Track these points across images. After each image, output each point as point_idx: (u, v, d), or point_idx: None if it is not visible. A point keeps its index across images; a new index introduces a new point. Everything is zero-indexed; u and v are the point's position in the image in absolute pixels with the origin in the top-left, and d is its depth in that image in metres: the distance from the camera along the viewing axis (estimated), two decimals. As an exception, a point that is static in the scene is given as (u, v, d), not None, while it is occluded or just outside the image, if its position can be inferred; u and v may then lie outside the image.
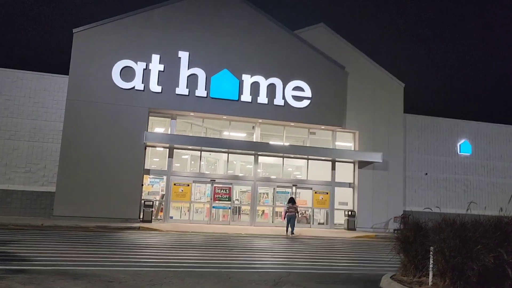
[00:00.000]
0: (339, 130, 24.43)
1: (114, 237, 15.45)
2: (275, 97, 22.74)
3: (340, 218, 24.36)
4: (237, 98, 22.16)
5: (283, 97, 22.86)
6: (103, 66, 20.55)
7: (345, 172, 24.66)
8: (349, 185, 24.62)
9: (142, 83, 20.97)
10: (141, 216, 20.70)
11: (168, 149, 22.07)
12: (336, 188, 24.29)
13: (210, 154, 23.75)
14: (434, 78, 78.58)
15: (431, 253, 8.50)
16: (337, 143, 24.64)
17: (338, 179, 24.35)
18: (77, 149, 19.88)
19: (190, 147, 22.04)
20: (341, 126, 23.82)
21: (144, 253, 11.81)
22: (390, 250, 9.78)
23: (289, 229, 19.66)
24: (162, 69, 21.28)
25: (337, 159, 24.01)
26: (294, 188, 24.14)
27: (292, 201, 20.38)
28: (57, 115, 20.42)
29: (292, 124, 23.47)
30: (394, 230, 24.22)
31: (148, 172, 21.70)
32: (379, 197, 24.28)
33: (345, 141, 25.11)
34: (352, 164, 24.73)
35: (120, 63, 20.73)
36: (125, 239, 14.91)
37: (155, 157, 23.81)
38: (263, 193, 23.85)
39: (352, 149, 24.71)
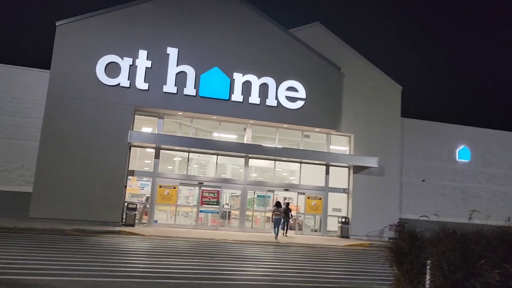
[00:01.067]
0: (334, 133, 23.50)
1: (89, 241, 14.42)
2: (267, 97, 21.81)
3: (333, 225, 23.37)
4: (227, 98, 21.22)
5: (276, 98, 21.93)
6: (87, 61, 19.60)
7: (340, 177, 23.70)
8: (344, 190, 23.66)
9: (128, 79, 20.02)
10: (124, 220, 19.67)
11: (154, 150, 21.08)
12: (330, 194, 23.32)
13: (199, 156, 22.75)
14: (432, 82, 77.42)
15: (428, 267, 7.55)
16: (331, 147, 23.71)
17: (332, 184, 23.39)
18: (57, 148, 18.88)
19: (177, 148, 21.06)
20: (336, 129, 22.90)
21: (114, 261, 10.80)
22: (383, 261, 8.83)
23: (278, 233, 19.64)
24: (150, 66, 20.35)
25: (331, 163, 23.06)
26: (285, 192, 23.19)
27: (278, 204, 20.28)
28: (37, 111, 19.42)
29: (285, 126, 22.53)
30: (389, 238, 23.06)
31: (132, 173, 20.69)
32: (374, 203, 23.31)
33: (340, 145, 24.18)
34: (347, 169, 23.78)
35: (105, 59, 19.78)
36: (100, 244, 13.88)
37: (142, 158, 22.80)
38: (254, 198, 22.82)
39: (347, 153, 23.77)
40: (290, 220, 21.86)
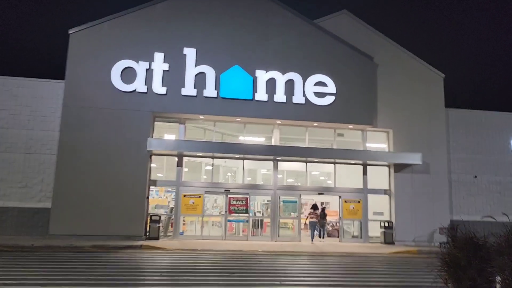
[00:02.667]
0: (370, 130, 21.42)
1: (106, 259, 13.27)
2: (294, 95, 20.12)
3: (375, 230, 21.21)
4: (251, 97, 19.73)
5: (304, 94, 20.21)
6: (102, 68, 18.74)
7: (379, 177, 21.54)
8: (384, 192, 21.46)
9: (145, 84, 18.97)
10: (147, 233, 18.53)
11: (176, 157, 19.87)
12: (370, 196, 21.20)
13: (225, 161, 21.34)
14: (479, 67, 69.94)
15: (497, 285, 5.66)
16: (368, 144, 21.62)
17: (371, 185, 21.28)
18: (75, 160, 18.05)
19: (200, 154, 19.74)
20: (372, 125, 20.83)
21: (122, 281, 9.46)
22: (435, 276, 6.97)
23: (314, 237, 19.76)
24: (167, 69, 19.23)
25: (369, 162, 20.97)
26: (319, 196, 21.33)
27: (314, 207, 20.36)
28: (55, 123, 18.71)
29: (315, 124, 20.72)
30: (441, 243, 20.73)
31: (154, 183, 19.55)
32: (420, 205, 20.96)
33: (377, 142, 22.03)
34: (386, 168, 21.60)
35: (120, 64, 18.85)
36: (116, 262, 12.68)
37: (163, 167, 21.69)
38: (285, 204, 21.04)
39: (386, 150, 21.59)
40: (327, 226, 20.98)
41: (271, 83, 20.01)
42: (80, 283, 9.17)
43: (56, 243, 16.08)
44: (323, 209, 21.58)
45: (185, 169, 21.49)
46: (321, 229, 20.66)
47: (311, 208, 20.33)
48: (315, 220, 19.99)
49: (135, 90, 18.85)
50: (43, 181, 18.42)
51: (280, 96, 19.95)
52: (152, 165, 20.85)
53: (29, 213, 18.08)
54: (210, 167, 20.44)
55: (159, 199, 21.21)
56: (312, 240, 19.55)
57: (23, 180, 18.32)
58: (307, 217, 20.32)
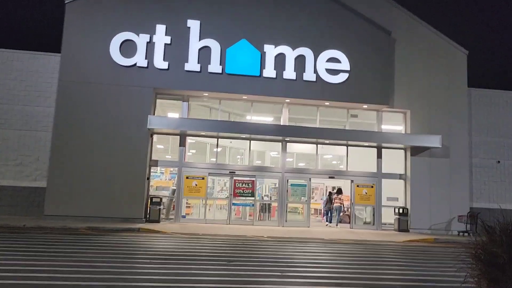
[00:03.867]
0: (385, 110, 20.03)
1: (97, 242, 12.36)
2: (304, 71, 18.80)
3: (389, 216, 20.01)
4: (258, 74, 18.47)
5: (315, 71, 18.86)
6: (100, 41, 17.65)
7: (395, 160, 20.23)
8: (400, 176, 20.16)
9: (146, 59, 17.85)
10: (148, 215, 17.64)
11: (179, 136, 18.81)
12: (384, 181, 19.94)
13: (231, 142, 20.23)
14: (505, 44, 64.98)
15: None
16: (383, 126, 20.25)
17: (385, 169, 19.99)
18: (71, 138, 17.12)
19: (204, 133, 18.63)
20: (388, 104, 19.42)
21: (102, 267, 8.48)
22: (456, 263, 5.80)
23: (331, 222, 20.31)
24: (169, 42, 18.04)
25: (384, 144, 19.63)
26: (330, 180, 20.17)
27: (339, 191, 20.76)
28: (51, 99, 17.79)
29: (327, 103, 19.41)
30: (459, 232, 19.59)
31: (156, 163, 18.57)
32: (438, 191, 19.64)
33: (393, 124, 20.64)
34: (402, 151, 20.25)
35: (119, 37, 17.73)
36: (108, 245, 11.75)
37: (169, 148, 20.70)
38: (295, 187, 19.89)
39: (403, 132, 20.21)
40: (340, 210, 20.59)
41: (280, 59, 18.70)
42: (58, 269, 8.22)
43: (49, 224, 15.27)
44: (330, 193, 21.08)
45: (192, 151, 20.55)
46: (330, 214, 20.47)
47: (336, 193, 20.62)
48: (339, 204, 20.35)
49: (135, 64, 17.75)
50: (39, 159, 17.59)
51: (289, 72, 18.65)
52: (159, 146, 19.94)
53: (24, 193, 17.32)
54: (215, 149, 19.35)
55: (163, 181, 20.31)
56: (336, 225, 20.07)
57: (18, 158, 17.52)
58: (332, 201, 20.50)
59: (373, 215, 19.88)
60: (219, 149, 19.41)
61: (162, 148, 21.00)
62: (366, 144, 19.58)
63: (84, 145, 17.15)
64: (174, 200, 18.73)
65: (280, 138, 19.03)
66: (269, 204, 20.04)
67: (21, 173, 17.47)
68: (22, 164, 17.50)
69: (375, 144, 19.64)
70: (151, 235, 14.90)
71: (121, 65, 17.65)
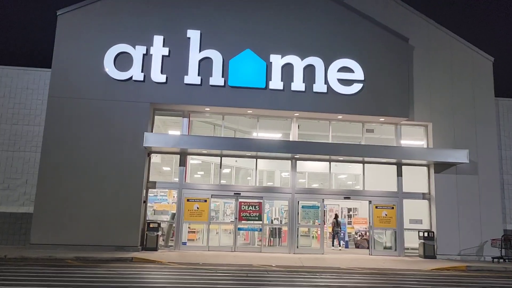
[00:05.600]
0: (405, 123, 18.29)
1: (82, 275, 10.76)
2: (314, 82, 17.28)
3: (412, 240, 18.01)
4: (264, 86, 17.01)
5: (326, 81, 17.33)
6: (93, 54, 16.47)
7: (417, 179, 18.37)
8: (423, 196, 18.23)
9: (142, 72, 16.57)
10: (145, 243, 16.02)
11: (179, 155, 17.32)
12: (405, 201, 18.03)
13: (236, 161, 18.65)
14: None
15: None
16: (402, 141, 18.47)
17: (407, 188, 18.11)
18: (61, 159, 15.77)
19: (205, 151, 17.09)
20: (407, 117, 17.69)
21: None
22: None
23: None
24: (167, 53, 16.78)
25: (404, 161, 17.80)
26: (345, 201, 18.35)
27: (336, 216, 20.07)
28: (42, 117, 16.59)
29: (340, 116, 17.78)
30: (493, 258, 17.46)
31: (154, 185, 17.05)
32: (467, 211, 17.64)
33: (413, 139, 18.86)
34: (425, 168, 18.38)
35: (114, 49, 16.53)
36: (93, 280, 10.13)
37: (173, 168, 19.21)
38: (307, 209, 18.10)
39: (425, 147, 18.38)
40: (340, 233, 19.93)
41: (287, 70, 17.24)
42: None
43: (34, 255, 13.75)
44: (336, 216, 20.16)
45: (199, 173, 19.04)
46: (336, 237, 19.78)
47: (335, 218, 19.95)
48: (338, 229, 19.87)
49: (131, 78, 16.48)
50: (27, 183, 16.26)
51: (298, 84, 17.15)
52: (165, 168, 18.48)
53: (11, 219, 15.95)
54: (217, 167, 17.77)
55: (167, 205, 18.71)
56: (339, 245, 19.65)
57: (5, 181, 16.23)
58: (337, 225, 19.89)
59: (395, 239, 17.91)
60: (223, 170, 17.83)
61: (169, 170, 19.54)
62: (385, 160, 17.77)
63: (75, 166, 15.75)
64: (174, 225, 17.09)
65: (289, 155, 17.39)
66: (280, 229, 18.25)
67: (8, 197, 16.12)
68: (9, 188, 16.18)
69: (394, 161, 17.82)
70: (144, 265, 13.23)
71: (115, 79, 16.39)
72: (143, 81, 16.49)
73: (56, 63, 16.31)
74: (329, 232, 20.54)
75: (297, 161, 17.82)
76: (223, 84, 16.79)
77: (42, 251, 14.40)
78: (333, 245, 19.66)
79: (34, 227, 15.28)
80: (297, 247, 17.27)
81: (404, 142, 18.49)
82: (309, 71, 17.32)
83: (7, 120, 16.56)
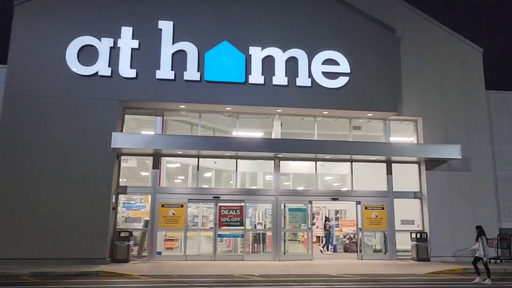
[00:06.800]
0: (393, 119, 17.26)
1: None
2: (297, 76, 16.12)
3: (404, 242, 16.95)
4: (243, 80, 15.76)
5: (310, 75, 16.19)
6: (55, 47, 14.99)
7: (407, 176, 17.35)
8: (414, 195, 17.20)
9: (109, 66, 15.15)
10: (115, 254, 14.53)
11: (152, 157, 15.91)
12: (396, 201, 16.96)
13: (215, 162, 17.31)
14: None
15: None
16: (391, 138, 17.42)
17: (397, 187, 17.05)
18: (18, 163, 14.20)
19: (181, 151, 15.71)
20: (396, 112, 16.66)
21: None
22: None
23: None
24: (137, 46, 15.41)
25: (394, 158, 16.73)
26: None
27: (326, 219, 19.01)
28: (-2, 118, 14.93)
29: (325, 112, 16.64)
30: (490, 259, 16.49)
31: (124, 190, 15.58)
32: (460, 210, 16.68)
33: (403, 135, 17.85)
34: (416, 166, 17.37)
35: (77, 41, 15.08)
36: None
37: (143, 172, 17.76)
38: (294, 212, 16.86)
39: (415, 143, 17.37)
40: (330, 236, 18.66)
41: (268, 63, 16.05)
42: None
43: (-15, 272, 12.14)
44: (326, 219, 19.18)
45: (180, 177, 17.62)
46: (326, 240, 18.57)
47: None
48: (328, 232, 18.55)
49: (96, 73, 15.04)
50: (-18, 190, 14.54)
51: (280, 77, 15.96)
52: (144, 173, 16.99)
53: (-37, 232, 14.17)
54: (194, 169, 16.43)
55: (142, 212, 17.19)
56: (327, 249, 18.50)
57: (-43, 190, 14.47)
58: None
59: (385, 241, 16.80)
60: (203, 173, 16.48)
61: (147, 175, 17.97)
62: (374, 158, 16.68)
63: (34, 170, 14.20)
64: (147, 233, 15.62)
65: (272, 154, 16.15)
66: (264, 234, 16.98)
67: (-40, 207, 14.39)
68: (-39, 197, 14.45)
69: (384, 158, 16.74)
70: (111, 280, 11.78)
71: (79, 75, 14.93)
72: (111, 76, 15.06)
73: (12, 57, 14.76)
74: (322, 237, 19.41)
75: (281, 161, 16.60)
76: (199, 79, 15.48)
77: (-4, 267, 12.80)
78: (327, 250, 18.44)
79: (-12, 239, 13.64)
80: (283, 253, 16.04)
81: (393, 139, 17.44)
82: (292, 64, 16.15)
83: (-42, 122, 14.86)
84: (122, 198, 16.15)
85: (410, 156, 16.52)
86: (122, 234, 14.69)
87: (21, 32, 14.97)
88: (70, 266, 13.05)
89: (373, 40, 16.83)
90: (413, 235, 16.46)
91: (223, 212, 15.89)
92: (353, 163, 17.04)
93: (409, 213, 17.16)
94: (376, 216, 16.80)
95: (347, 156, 16.60)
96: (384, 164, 17.13)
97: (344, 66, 16.37)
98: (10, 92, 14.55)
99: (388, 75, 16.69)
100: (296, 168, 18.21)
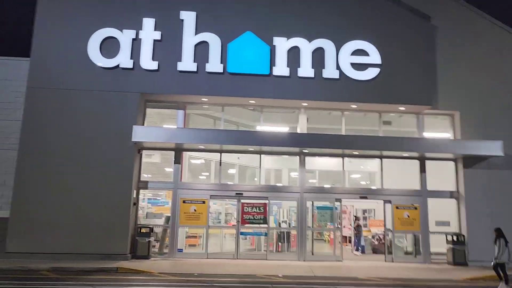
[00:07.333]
0: (428, 113, 16.19)
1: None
2: (324, 67, 15.33)
3: (439, 244, 15.85)
4: (268, 72, 15.12)
5: (338, 67, 15.37)
6: (77, 40, 14.80)
7: (443, 175, 16.26)
8: (451, 194, 16.09)
9: (131, 58, 14.82)
10: (136, 250, 14.21)
11: (174, 152, 15.50)
12: (430, 200, 15.91)
13: (238, 158, 16.74)
14: None
15: None
16: (425, 134, 16.36)
17: (431, 186, 15.99)
18: (39, 157, 14.07)
19: (203, 146, 15.23)
20: (430, 105, 15.60)
21: None
22: None
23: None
24: (159, 38, 15.03)
25: (428, 154, 15.70)
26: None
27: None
28: (21, 111, 14.86)
29: (354, 106, 15.77)
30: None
31: (145, 185, 15.24)
32: (502, 211, 15.46)
33: (438, 131, 16.74)
34: (453, 163, 16.25)
35: (99, 34, 14.84)
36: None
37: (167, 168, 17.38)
38: (323, 210, 16.09)
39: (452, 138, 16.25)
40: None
41: (294, 54, 15.35)
42: None
43: (5, 265, 12.08)
44: (357, 218, 18.44)
45: (205, 174, 17.19)
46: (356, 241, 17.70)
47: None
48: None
49: (118, 65, 14.74)
50: (5, 184, 14.60)
51: (306, 69, 15.22)
52: (168, 169, 16.60)
53: (-14, 224, 14.20)
54: (219, 166, 15.89)
55: (163, 208, 16.85)
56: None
57: (-19, 183, 14.53)
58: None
59: (415, 244, 15.78)
60: (227, 170, 15.96)
61: (171, 171, 17.63)
62: (406, 154, 15.69)
63: (56, 165, 14.04)
64: (168, 230, 15.23)
65: (297, 149, 15.44)
66: (288, 233, 16.29)
67: (-16, 200, 14.45)
68: (-15, 190, 14.50)
69: (417, 155, 15.73)
70: (129, 277, 11.42)
71: (101, 67, 14.67)
72: (132, 68, 14.75)
73: (35, 50, 14.65)
74: (349, 236, 18.65)
75: (306, 158, 15.86)
76: (221, 71, 14.95)
77: (16, 260, 12.72)
78: (357, 251, 17.69)
79: (10, 233, 13.57)
80: (311, 254, 15.31)
81: (427, 135, 16.37)
82: (319, 55, 15.39)
83: (-17, 115, 14.93)
84: (148, 194, 15.90)
85: (447, 153, 15.43)
86: (143, 230, 14.35)
87: (44, 25, 14.85)
88: (90, 262, 12.80)
89: (406, 29, 15.83)
90: (449, 238, 15.39)
91: (246, 209, 15.31)
92: (383, 160, 16.10)
93: (444, 214, 16.07)
94: (408, 216, 15.80)
95: (377, 152, 15.69)
96: (417, 161, 16.10)
97: (374, 56, 15.46)
98: (32, 85, 14.45)
99: (423, 66, 15.66)
100: (322, 165, 17.44)
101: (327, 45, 15.43)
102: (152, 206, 16.48)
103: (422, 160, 16.04)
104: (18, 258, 13.02)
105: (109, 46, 14.79)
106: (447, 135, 16.52)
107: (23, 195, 13.78)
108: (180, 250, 14.94)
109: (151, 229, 14.55)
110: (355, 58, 15.44)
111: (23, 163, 14.00)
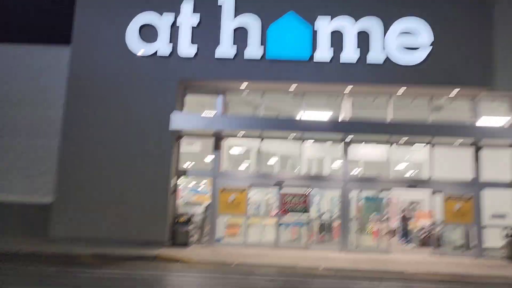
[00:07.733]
0: (485, 96, 14.91)
1: (91, 277, 9.00)
2: (369, 50, 14.43)
3: (494, 239, 14.71)
4: (308, 57, 14.41)
5: (384, 49, 14.41)
6: (115, 27, 14.72)
7: (499, 164, 15.01)
8: (509, 185, 14.85)
9: (170, 42, 14.57)
10: (175, 238, 14.13)
11: (214, 139, 15.20)
12: (485, 191, 14.75)
13: (279, 146, 16.21)
14: None
15: None
16: (481, 119, 15.11)
17: (486, 175, 14.81)
18: (81, 144, 14.21)
19: (242, 132, 14.82)
20: (488, 86, 14.33)
21: None
22: None
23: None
24: (197, 22, 14.67)
25: (484, 141, 14.51)
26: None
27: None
28: (63, 100, 15.03)
29: (402, 90, 14.79)
30: None
31: (184, 173, 15.08)
32: None
33: (494, 115, 15.43)
34: (510, 151, 14.96)
35: (137, 19, 14.68)
36: (99, 284, 8.32)
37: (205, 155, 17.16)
38: (370, 201, 15.34)
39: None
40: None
41: (336, 37, 14.53)
42: None
43: (48, 250, 12.27)
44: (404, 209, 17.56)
45: (245, 162, 16.86)
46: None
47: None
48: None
49: (156, 52, 14.54)
50: (49, 171, 14.84)
51: (349, 53, 14.41)
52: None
53: (31, 210, 14.61)
54: (259, 154, 15.45)
55: (204, 196, 16.69)
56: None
57: (25, 170, 14.90)
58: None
59: (468, 237, 14.71)
60: (267, 159, 15.51)
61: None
62: (459, 141, 14.57)
63: (97, 152, 14.14)
64: (207, 218, 15.03)
65: (340, 136, 14.72)
66: (330, 223, 15.69)
67: (28, 187, 14.83)
68: (30, 177, 14.86)
69: (470, 142, 14.59)
70: (166, 265, 11.31)
71: (139, 55, 14.52)
72: (170, 55, 14.51)
73: (76, 39, 14.73)
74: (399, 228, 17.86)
75: (349, 147, 15.09)
76: (260, 57, 14.41)
77: (60, 245, 12.90)
78: (404, 243, 17.03)
79: (53, 219, 13.88)
80: (354, 245, 14.63)
81: (483, 120, 15.12)
82: (363, 37, 14.47)
83: (27, 104, 15.25)
84: (188, 182, 15.75)
85: (504, 139, 14.17)
86: (182, 219, 14.25)
87: (84, 11, 14.87)
88: (130, 248, 12.80)
89: (461, 5, 14.59)
90: (506, 231, 14.22)
91: (286, 199, 14.83)
92: (433, 146, 15.05)
93: (500, 206, 14.88)
94: (459, 208, 14.74)
95: (427, 139, 14.67)
96: (470, 150, 14.94)
97: (426, 35, 14.37)
98: (74, 73, 14.56)
99: (479, 44, 14.39)
100: (366, 154, 16.61)
101: (373, 25, 14.47)
102: (193, 194, 16.37)
103: (476, 148, 14.86)
104: (60, 243, 13.23)
105: (147, 33, 14.61)
106: (505, 120, 15.21)
107: (65, 183, 14.00)
108: (219, 239, 14.71)
109: (190, 218, 14.41)
110: (404, 39, 14.40)
111: (65, 151, 14.19)
